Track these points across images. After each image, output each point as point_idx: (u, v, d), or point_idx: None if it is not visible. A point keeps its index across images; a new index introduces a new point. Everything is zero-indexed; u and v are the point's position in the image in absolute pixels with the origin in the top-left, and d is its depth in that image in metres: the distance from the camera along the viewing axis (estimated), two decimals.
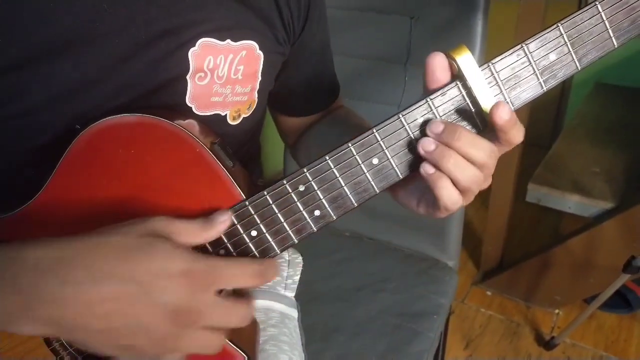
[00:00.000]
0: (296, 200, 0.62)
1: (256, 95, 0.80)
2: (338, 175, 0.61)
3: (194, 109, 0.72)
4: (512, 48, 0.58)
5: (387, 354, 1.22)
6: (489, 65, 0.58)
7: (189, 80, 0.70)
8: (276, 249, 0.65)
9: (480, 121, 0.60)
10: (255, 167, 0.99)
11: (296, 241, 0.64)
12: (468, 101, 0.59)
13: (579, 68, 0.59)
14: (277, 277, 0.61)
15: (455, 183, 0.58)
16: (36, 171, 0.63)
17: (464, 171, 0.57)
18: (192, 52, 0.69)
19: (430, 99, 0.59)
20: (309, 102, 1.00)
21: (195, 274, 0.54)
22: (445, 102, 0.59)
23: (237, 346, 0.64)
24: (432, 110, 0.59)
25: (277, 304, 1.01)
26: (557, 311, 2.28)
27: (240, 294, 0.60)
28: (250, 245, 0.64)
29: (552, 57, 0.58)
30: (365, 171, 0.61)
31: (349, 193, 0.62)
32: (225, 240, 0.63)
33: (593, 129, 2.42)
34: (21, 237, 0.54)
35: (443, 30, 1.34)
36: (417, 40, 1.38)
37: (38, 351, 0.67)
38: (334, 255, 1.53)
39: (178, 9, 0.68)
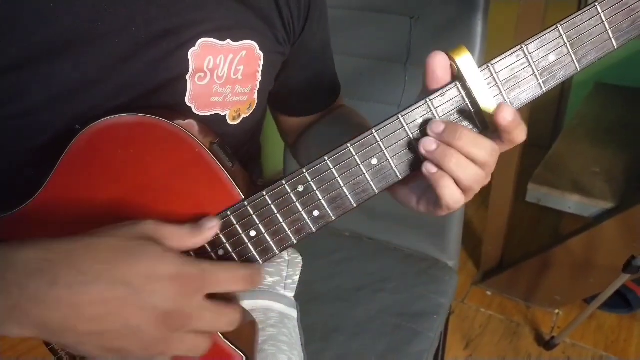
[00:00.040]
0: (295, 200, 0.62)
1: (256, 95, 0.80)
2: (337, 176, 0.61)
3: (193, 109, 0.72)
4: (511, 49, 0.58)
5: (387, 354, 1.22)
6: (488, 66, 0.58)
7: (188, 80, 0.70)
8: (275, 249, 0.65)
9: (480, 122, 0.60)
10: (255, 167, 0.99)
11: (295, 241, 0.64)
12: (467, 102, 0.59)
13: (579, 69, 0.59)
14: (263, 283, 0.61)
15: (457, 182, 0.58)
16: (36, 171, 0.62)
17: (466, 170, 0.58)
18: (192, 52, 0.69)
19: (430, 100, 0.59)
20: (309, 102, 1.00)
21: (184, 277, 0.54)
22: (445, 102, 0.59)
23: (235, 346, 0.64)
24: (431, 110, 0.59)
25: (277, 304, 1.01)
26: (557, 311, 2.28)
27: (228, 299, 0.60)
28: (249, 245, 0.64)
29: (552, 58, 0.58)
30: (365, 172, 0.61)
31: (348, 193, 0.62)
32: (224, 241, 0.64)
33: (593, 129, 2.41)
34: (20, 237, 0.53)
35: (443, 30, 1.34)
36: (417, 40, 1.38)
37: (37, 351, 0.67)
38: (333, 255, 1.53)
39: (178, 9, 0.68)
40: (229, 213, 0.63)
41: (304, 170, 0.61)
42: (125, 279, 0.52)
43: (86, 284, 0.51)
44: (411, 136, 0.60)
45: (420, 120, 0.60)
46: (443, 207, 0.61)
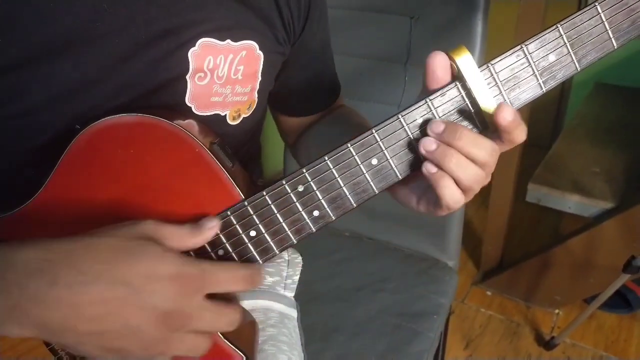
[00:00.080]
0: (295, 200, 0.62)
1: (256, 95, 0.80)
2: (337, 176, 0.61)
3: (193, 109, 0.72)
4: (511, 49, 0.58)
5: (387, 354, 1.22)
6: (488, 66, 0.58)
7: (188, 80, 0.70)
8: (275, 249, 0.65)
9: (480, 122, 0.60)
10: (256, 167, 0.99)
11: (295, 241, 0.64)
12: (467, 102, 0.59)
13: (579, 69, 0.59)
14: (262, 283, 0.62)
15: (457, 182, 0.58)
16: (36, 171, 0.62)
17: (466, 170, 0.57)
18: (192, 52, 0.69)
19: (430, 100, 0.59)
20: (309, 102, 1.00)
21: (184, 277, 0.54)
22: (445, 102, 0.59)
23: (235, 346, 0.64)
24: (431, 110, 0.59)
25: (277, 304, 1.01)
26: (557, 311, 2.28)
27: (228, 299, 0.60)
28: (249, 245, 0.64)
29: (552, 58, 0.58)
30: (365, 172, 0.61)
31: (348, 193, 0.62)
32: (224, 240, 0.64)
33: (593, 129, 2.41)
34: (20, 237, 0.53)
35: (443, 30, 1.34)
36: (417, 40, 1.38)
37: (37, 351, 0.67)
38: (333, 255, 1.53)
39: (178, 9, 0.68)
40: (229, 213, 0.63)
41: (304, 170, 0.61)
42: (125, 279, 0.52)
43: (86, 284, 0.51)
44: (411, 136, 0.60)
45: (420, 120, 0.60)
46: (443, 207, 0.61)
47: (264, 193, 0.62)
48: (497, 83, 0.58)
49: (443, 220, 1.46)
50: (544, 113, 3.22)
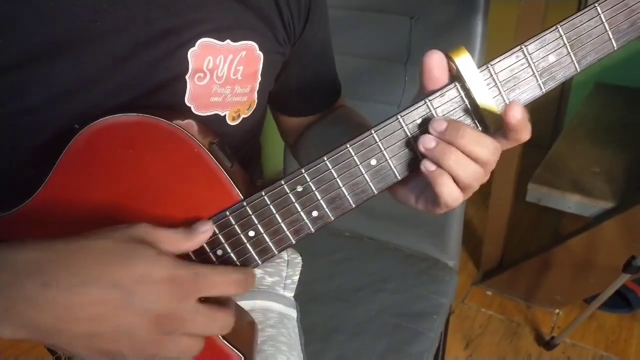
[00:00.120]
0: (294, 200, 0.62)
1: (256, 96, 0.80)
2: (336, 176, 0.61)
3: (193, 109, 0.72)
4: (511, 49, 0.58)
5: (387, 354, 1.22)
6: (487, 67, 0.58)
7: (188, 80, 0.70)
8: (274, 249, 0.65)
9: (479, 122, 0.60)
10: (256, 167, 0.99)
11: (294, 242, 0.64)
12: (467, 102, 0.59)
13: (579, 70, 0.59)
14: (255, 286, 0.62)
15: (456, 180, 0.58)
16: (36, 171, 0.62)
17: (465, 168, 0.57)
18: (191, 52, 0.69)
19: (429, 100, 0.59)
20: (310, 102, 1.00)
21: (177, 281, 0.54)
22: (444, 103, 0.59)
23: (234, 346, 0.64)
24: (431, 111, 0.59)
25: (276, 304, 1.01)
26: (557, 311, 2.28)
27: (223, 303, 0.60)
28: (248, 245, 0.64)
29: (552, 58, 0.58)
30: (364, 172, 0.61)
31: (347, 194, 0.62)
32: (223, 241, 0.64)
33: (593, 129, 2.42)
34: (19, 237, 0.54)
35: (443, 30, 1.34)
36: (417, 40, 1.38)
37: (35, 350, 0.67)
38: (333, 255, 1.53)
39: (178, 9, 0.68)
40: (227, 213, 0.63)
41: (303, 171, 0.61)
42: (119, 282, 0.52)
43: (79, 286, 0.51)
44: (410, 137, 0.60)
45: (419, 121, 0.60)
46: (441, 205, 0.61)
47: (263, 193, 0.62)
48: (496, 84, 0.58)
49: (443, 220, 1.46)
50: (544, 113, 3.23)
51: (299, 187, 0.62)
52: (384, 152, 0.60)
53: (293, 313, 1.03)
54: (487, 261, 2.42)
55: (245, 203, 0.62)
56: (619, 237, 1.88)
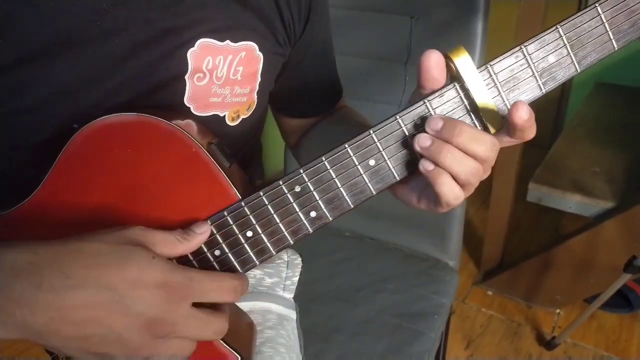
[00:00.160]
0: (292, 201, 0.62)
1: (256, 96, 0.80)
2: (334, 177, 0.61)
3: (192, 110, 0.72)
4: (510, 50, 0.58)
5: (388, 355, 1.22)
6: (487, 67, 0.58)
7: (187, 81, 0.70)
8: (272, 249, 0.64)
9: (479, 122, 0.60)
10: (256, 168, 0.99)
11: (292, 242, 0.64)
12: (466, 103, 0.59)
13: (579, 70, 0.59)
14: (255, 287, 0.62)
15: (455, 177, 0.58)
16: (35, 170, 0.62)
17: (463, 165, 0.57)
18: (191, 53, 0.69)
19: (428, 100, 0.59)
20: (311, 103, 1.00)
21: (171, 285, 0.54)
22: (443, 103, 0.59)
23: (232, 347, 0.64)
24: (430, 111, 0.59)
25: (275, 306, 1.01)
26: (558, 311, 2.28)
27: (217, 307, 0.60)
28: (246, 246, 0.64)
29: (551, 59, 0.58)
30: (362, 172, 0.61)
31: (345, 194, 0.62)
32: (221, 241, 0.63)
33: (593, 129, 2.41)
34: (17, 236, 0.54)
35: (443, 30, 1.34)
36: (417, 40, 1.38)
37: (33, 350, 0.67)
38: (334, 255, 1.53)
39: (178, 9, 0.68)
40: (225, 213, 0.63)
41: (301, 171, 0.61)
42: (111, 285, 0.52)
43: (72, 288, 0.51)
44: (409, 137, 0.60)
45: (418, 121, 0.59)
46: (443, 204, 0.60)
47: (261, 193, 0.62)
48: (496, 84, 0.58)
49: (444, 220, 1.46)
50: (544, 113, 3.22)
51: (297, 187, 0.61)
52: (383, 152, 0.60)
53: (292, 314, 1.03)
54: (488, 261, 2.42)
55: (243, 203, 0.62)
56: (619, 237, 1.88)
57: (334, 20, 0.95)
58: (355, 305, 1.36)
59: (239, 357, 0.65)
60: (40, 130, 0.66)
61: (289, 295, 1.06)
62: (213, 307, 0.59)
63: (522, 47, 0.58)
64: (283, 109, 1.01)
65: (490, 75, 0.58)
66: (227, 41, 0.71)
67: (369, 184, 0.62)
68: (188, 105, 0.71)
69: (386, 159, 0.61)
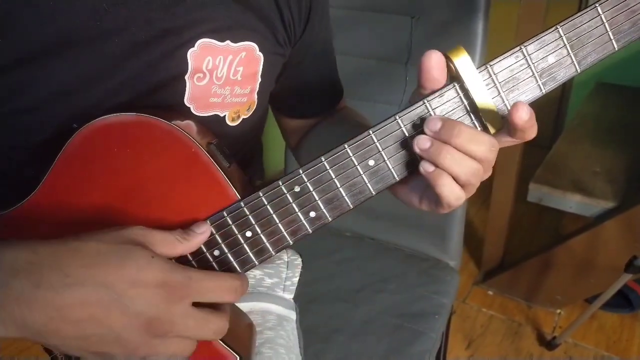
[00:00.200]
0: (291, 201, 0.62)
1: (256, 97, 0.80)
2: (334, 177, 0.61)
3: (192, 110, 0.72)
4: (510, 50, 0.58)
5: (389, 355, 1.22)
6: (487, 67, 0.58)
7: (187, 81, 0.70)
8: (271, 250, 0.64)
9: (479, 123, 0.60)
10: (257, 168, 0.99)
11: (291, 242, 0.64)
12: (466, 103, 0.59)
13: (579, 71, 0.59)
14: (255, 287, 0.62)
15: (455, 178, 0.57)
16: (35, 170, 0.62)
17: (463, 166, 0.57)
18: (191, 53, 0.69)
19: (428, 101, 0.59)
20: (311, 103, 1.00)
21: (170, 284, 0.54)
22: (443, 103, 0.59)
23: (231, 348, 0.64)
24: (429, 111, 0.59)
25: (275, 307, 1.01)
26: (558, 311, 2.28)
27: (217, 307, 0.60)
28: (245, 246, 0.64)
29: (551, 59, 0.58)
30: (362, 173, 0.61)
31: (344, 195, 0.62)
32: (220, 241, 0.63)
33: (594, 129, 2.41)
34: (17, 236, 0.54)
35: (444, 30, 1.34)
36: (418, 40, 1.38)
37: (31, 350, 0.67)
38: (334, 256, 1.53)
39: (178, 9, 0.67)
40: (225, 213, 0.63)
41: (301, 171, 0.61)
42: (110, 284, 0.52)
43: (71, 287, 0.51)
44: (408, 137, 0.60)
45: (418, 121, 0.59)
46: (444, 205, 0.60)
47: (261, 193, 0.62)
48: (495, 84, 0.58)
49: (444, 220, 1.46)
50: (545, 113, 3.22)
51: (296, 187, 0.61)
52: (382, 152, 0.60)
53: (292, 315, 1.03)
54: (488, 261, 2.42)
55: (242, 203, 0.62)
56: (620, 237, 1.88)
57: (334, 20, 0.95)
58: (356, 306, 1.36)
59: (239, 358, 0.65)
60: (40, 130, 0.66)
61: (289, 296, 1.06)
62: (213, 307, 0.59)
63: (522, 47, 0.57)
64: (283, 109, 1.01)
65: (490, 76, 0.58)
66: (227, 41, 0.71)
67: (368, 184, 0.62)
68: (188, 105, 0.71)
69: (386, 159, 0.61)
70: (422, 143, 0.57)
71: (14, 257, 0.51)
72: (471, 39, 1.28)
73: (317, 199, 0.62)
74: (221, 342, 0.64)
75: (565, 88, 3.15)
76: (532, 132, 0.57)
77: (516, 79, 0.58)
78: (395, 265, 1.49)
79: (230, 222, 0.63)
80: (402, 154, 0.61)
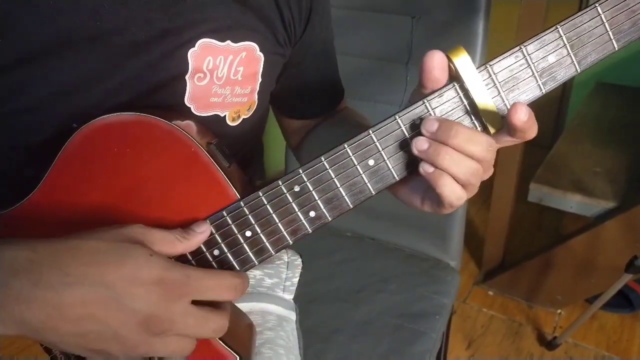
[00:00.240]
0: (291, 200, 0.62)
1: (256, 97, 0.79)
2: (334, 176, 0.61)
3: (192, 110, 0.72)
4: (510, 50, 0.58)
5: (389, 355, 1.22)
6: (486, 67, 0.58)
7: (188, 81, 0.70)
8: (271, 249, 0.64)
9: (479, 123, 0.60)
10: (258, 168, 0.99)
11: (291, 242, 0.64)
12: (465, 103, 0.59)
13: (579, 70, 0.59)
14: (254, 287, 0.61)
15: (455, 178, 0.58)
16: (35, 170, 0.62)
17: (461, 166, 0.57)
18: (191, 53, 0.69)
19: (427, 101, 0.59)
20: (312, 104, 1.00)
21: (168, 282, 0.54)
22: (443, 103, 0.59)
23: (231, 348, 0.64)
24: (429, 111, 0.59)
25: (275, 307, 1.01)
26: (559, 311, 2.28)
27: (217, 306, 0.60)
28: (245, 245, 0.64)
29: (551, 59, 0.58)
30: (361, 172, 0.61)
31: (344, 194, 0.62)
32: (220, 241, 0.63)
33: (594, 129, 2.41)
34: (17, 235, 0.54)
35: (444, 30, 1.34)
36: (418, 40, 1.38)
37: (31, 349, 0.67)
38: (334, 256, 1.53)
39: (178, 9, 0.68)
40: (224, 213, 0.63)
41: (301, 171, 0.61)
42: (108, 282, 0.52)
43: (69, 285, 0.51)
44: (408, 137, 0.60)
45: (417, 121, 0.59)
46: (446, 205, 0.60)
47: (260, 193, 0.62)
48: (495, 84, 0.58)
49: (445, 220, 1.46)
50: (545, 113, 3.22)
51: (296, 187, 0.61)
52: (382, 152, 0.60)
53: (292, 316, 1.03)
54: (489, 261, 2.42)
55: (242, 203, 0.62)
56: (620, 237, 1.88)
57: (334, 21, 0.95)
58: (356, 306, 1.36)
59: (238, 358, 0.65)
60: (40, 130, 0.66)
61: (289, 297, 1.06)
62: (213, 306, 0.59)
63: (522, 47, 0.57)
64: (284, 109, 1.01)
65: (490, 76, 0.58)
66: (228, 41, 0.71)
67: (368, 184, 0.62)
68: (188, 105, 0.71)
69: (385, 159, 0.61)
70: (420, 145, 0.57)
71: (13, 256, 0.51)
72: (472, 39, 1.28)
73: (316, 198, 0.62)
74: (222, 342, 0.64)
75: (565, 88, 3.15)
76: (532, 132, 0.57)
77: (516, 78, 0.58)
78: (395, 265, 1.49)
79: (229, 222, 0.63)
80: (401, 154, 0.61)
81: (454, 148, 0.56)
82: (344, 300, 1.38)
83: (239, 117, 0.78)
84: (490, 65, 0.58)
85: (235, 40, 0.72)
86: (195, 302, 0.57)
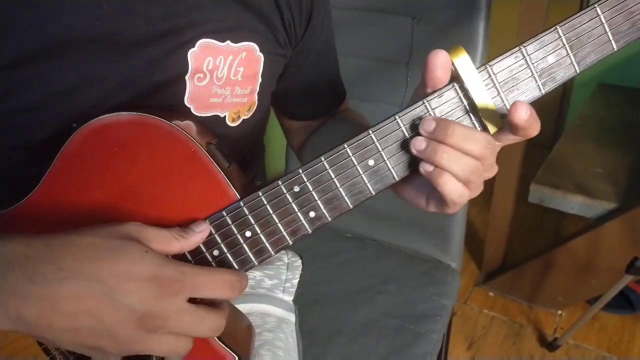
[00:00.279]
0: (291, 201, 0.62)
1: (256, 97, 0.80)
2: (334, 177, 0.61)
3: (192, 110, 0.72)
4: (510, 50, 0.58)
5: (390, 356, 1.22)
6: (486, 67, 0.58)
7: (187, 81, 0.70)
8: (271, 250, 0.64)
9: (478, 123, 0.60)
10: (258, 169, 0.99)
11: (291, 243, 0.64)
12: (465, 103, 0.59)
13: (578, 71, 0.59)
14: (245, 291, 0.61)
15: (455, 177, 0.58)
16: (34, 169, 0.63)
17: (460, 164, 0.57)
18: (191, 53, 0.69)
19: (427, 101, 0.59)
20: (313, 105, 1.00)
21: (162, 279, 0.54)
22: (442, 103, 0.59)
23: (230, 348, 0.64)
24: (428, 112, 0.59)
25: (274, 308, 1.01)
26: (559, 312, 2.27)
27: (215, 305, 0.59)
28: (245, 246, 0.64)
29: (551, 59, 0.58)
30: (361, 172, 0.61)
31: (344, 194, 0.62)
32: (219, 241, 0.63)
33: (595, 130, 2.41)
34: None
35: (445, 30, 1.34)
36: (419, 40, 1.38)
37: (29, 350, 0.67)
38: (335, 257, 1.53)
39: (178, 10, 0.68)
40: (224, 213, 0.63)
41: (300, 171, 0.61)
42: (102, 278, 0.52)
43: (63, 280, 0.51)
44: (408, 137, 0.60)
45: (417, 121, 0.59)
46: (449, 203, 0.60)
47: (260, 193, 0.62)
48: (495, 84, 0.58)
49: (445, 221, 1.46)
50: (546, 113, 3.22)
51: (296, 187, 0.61)
52: (382, 152, 0.60)
53: (291, 317, 1.03)
54: (490, 262, 2.42)
55: (242, 203, 0.62)
56: (621, 238, 1.88)
57: (335, 21, 0.95)
58: (357, 307, 1.36)
59: (237, 358, 0.65)
60: (40, 130, 0.66)
61: (289, 298, 1.06)
62: (211, 305, 0.59)
63: (522, 47, 0.57)
64: (285, 110, 1.01)
65: (490, 76, 0.58)
66: (228, 42, 0.71)
67: (368, 184, 0.62)
68: (188, 105, 0.71)
69: (385, 159, 0.61)
70: (418, 144, 0.58)
71: (8, 250, 0.51)
72: (472, 39, 1.28)
73: (316, 198, 0.62)
74: (221, 343, 0.64)
75: (566, 88, 3.15)
76: (534, 129, 0.57)
77: (516, 79, 0.58)
78: (396, 266, 1.49)
79: (229, 222, 0.63)
80: (401, 154, 0.61)
81: (451, 146, 0.56)
82: (344, 301, 1.38)
83: (239, 117, 0.78)
84: (490, 66, 0.58)
85: (235, 41, 0.72)
86: (193, 301, 0.56)
